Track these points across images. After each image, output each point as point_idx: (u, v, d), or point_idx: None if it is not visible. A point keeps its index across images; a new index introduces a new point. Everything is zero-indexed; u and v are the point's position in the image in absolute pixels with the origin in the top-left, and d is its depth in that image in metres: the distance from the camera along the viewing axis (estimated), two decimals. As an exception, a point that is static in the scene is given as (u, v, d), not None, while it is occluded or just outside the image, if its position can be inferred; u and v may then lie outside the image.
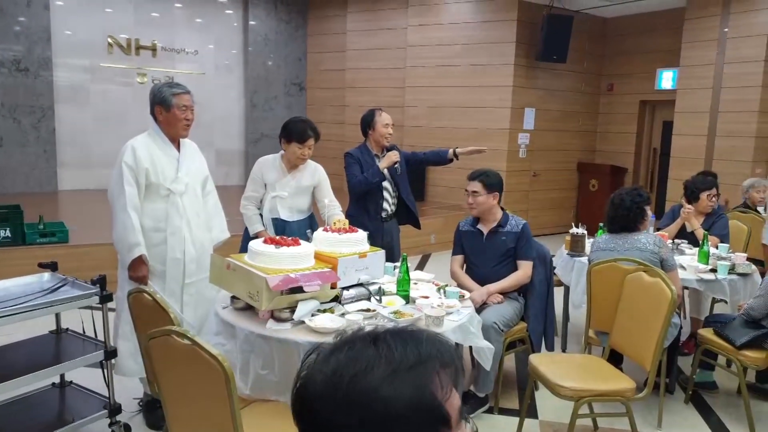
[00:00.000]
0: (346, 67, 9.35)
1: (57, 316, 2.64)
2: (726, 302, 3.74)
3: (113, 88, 8.46)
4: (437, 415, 0.71)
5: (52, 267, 2.61)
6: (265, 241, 2.54)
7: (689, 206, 4.16)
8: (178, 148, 2.90)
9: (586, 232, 4.09)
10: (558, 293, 3.84)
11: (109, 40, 8.37)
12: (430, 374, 0.72)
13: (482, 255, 3.36)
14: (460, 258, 3.46)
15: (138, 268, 2.72)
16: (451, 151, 3.85)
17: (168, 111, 2.80)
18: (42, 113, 7.81)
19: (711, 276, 3.52)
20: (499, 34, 7.86)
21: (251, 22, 9.39)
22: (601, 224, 4.12)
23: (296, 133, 3.28)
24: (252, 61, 9.47)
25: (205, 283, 2.86)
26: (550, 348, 3.51)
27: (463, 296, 2.84)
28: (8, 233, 4.71)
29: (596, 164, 8.90)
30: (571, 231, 4.06)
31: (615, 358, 3.03)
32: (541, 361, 2.82)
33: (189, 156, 2.95)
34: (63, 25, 7.99)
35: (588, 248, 4.01)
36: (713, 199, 4.18)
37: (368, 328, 0.78)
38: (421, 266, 6.49)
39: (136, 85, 8.58)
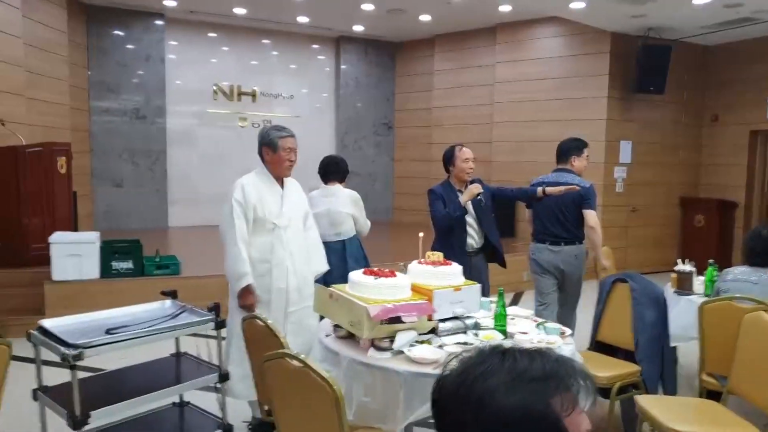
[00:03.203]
0: (433, 105, 9.53)
1: (177, 339, 2.86)
2: None
3: (217, 131, 9.14)
4: (554, 427, 0.73)
5: (173, 295, 2.85)
6: (364, 272, 2.63)
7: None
8: (282, 185, 3.11)
9: (695, 269, 3.83)
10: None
11: (214, 87, 9.10)
12: (551, 390, 0.74)
13: None
14: None
15: (246, 297, 2.90)
16: (539, 189, 3.80)
17: (274, 152, 3.03)
18: (156, 156, 8.58)
19: None
20: (591, 67, 7.73)
21: (342, 67, 9.86)
22: (710, 261, 3.85)
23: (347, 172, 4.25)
24: (343, 104, 9.90)
25: (305, 311, 2.99)
26: (672, 393, 3.24)
27: (564, 333, 2.75)
28: (131, 265, 5.24)
29: (702, 198, 8.36)
30: (677, 268, 3.82)
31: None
32: (650, 403, 2.67)
33: (292, 193, 3.15)
34: (175, 75, 8.81)
35: (694, 284, 3.77)
36: None
37: (500, 345, 0.82)
38: (513, 305, 6.32)
39: (237, 128, 9.22)
